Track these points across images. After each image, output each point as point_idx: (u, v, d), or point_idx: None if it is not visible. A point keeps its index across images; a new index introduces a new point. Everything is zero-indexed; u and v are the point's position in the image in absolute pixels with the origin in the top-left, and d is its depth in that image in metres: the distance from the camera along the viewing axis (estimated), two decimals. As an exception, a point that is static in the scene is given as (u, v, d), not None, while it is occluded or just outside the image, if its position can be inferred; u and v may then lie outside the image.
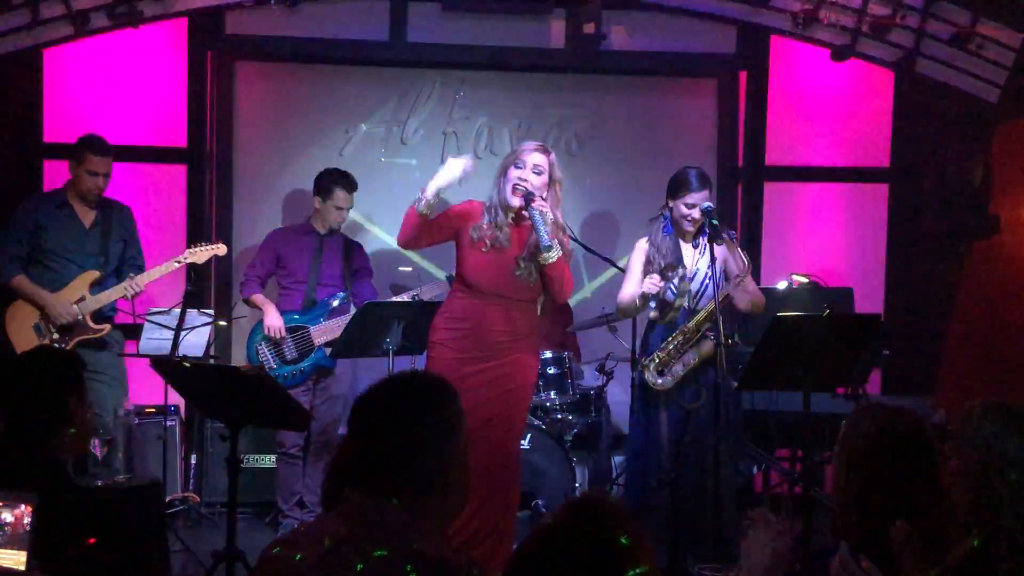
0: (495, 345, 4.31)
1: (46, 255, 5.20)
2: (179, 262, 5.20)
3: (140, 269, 5.28)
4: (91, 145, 5.22)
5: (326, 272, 5.57)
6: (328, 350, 5.41)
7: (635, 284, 4.76)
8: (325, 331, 5.41)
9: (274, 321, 5.40)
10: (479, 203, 4.40)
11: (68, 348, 4.99)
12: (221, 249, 5.32)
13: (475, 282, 4.33)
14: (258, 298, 5.51)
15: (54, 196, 5.35)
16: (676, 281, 4.67)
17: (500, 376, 4.30)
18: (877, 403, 2.64)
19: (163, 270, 5.20)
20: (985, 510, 2.17)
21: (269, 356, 5.42)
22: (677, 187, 4.72)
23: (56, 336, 5.10)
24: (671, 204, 4.74)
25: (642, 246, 4.81)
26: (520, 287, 4.33)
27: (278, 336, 5.39)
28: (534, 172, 4.27)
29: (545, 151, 4.35)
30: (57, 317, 5.08)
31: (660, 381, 4.64)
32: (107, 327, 5.22)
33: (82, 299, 5.15)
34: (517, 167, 4.28)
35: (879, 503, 2.40)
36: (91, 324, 5.16)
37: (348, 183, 5.58)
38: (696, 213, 4.66)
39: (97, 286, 5.20)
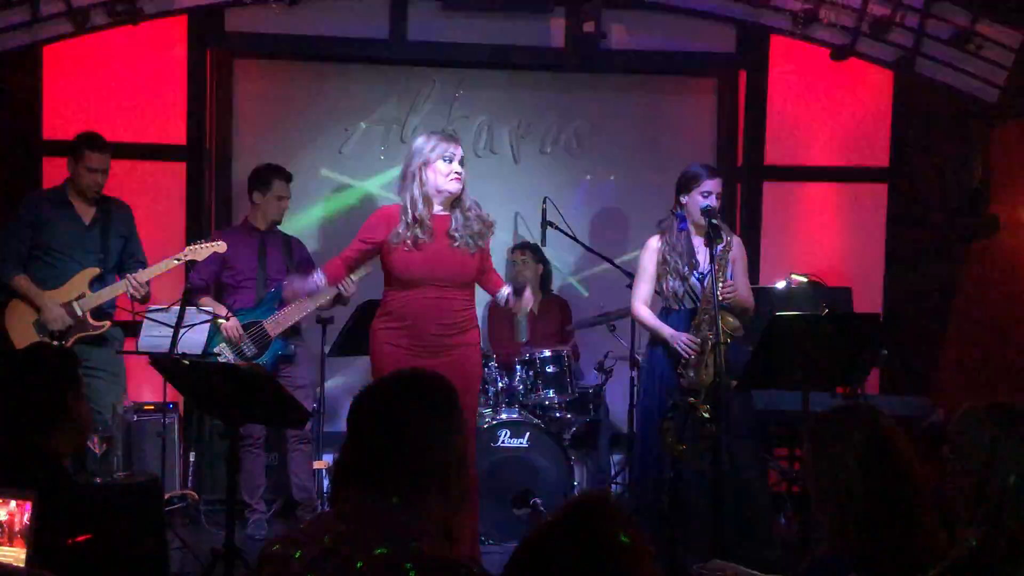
0: (434, 341, 4.30)
1: (46, 252, 5.19)
2: (179, 259, 5.19)
3: (143, 265, 5.27)
4: (88, 142, 5.22)
5: (272, 268, 5.59)
6: (283, 341, 5.44)
7: (649, 285, 4.79)
8: (279, 321, 5.43)
9: (230, 322, 5.40)
10: (390, 207, 4.46)
11: (67, 345, 5.00)
12: (221, 247, 5.31)
13: (407, 276, 4.33)
14: (207, 300, 5.50)
15: (53, 193, 5.35)
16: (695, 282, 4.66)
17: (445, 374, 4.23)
18: (838, 407, 2.54)
19: (163, 267, 5.20)
20: (985, 511, 2.17)
21: (229, 357, 5.41)
22: (689, 180, 4.72)
23: (55, 332, 5.10)
24: (685, 199, 4.73)
25: (654, 246, 4.80)
26: (456, 267, 4.32)
27: (236, 336, 5.39)
28: (461, 164, 4.36)
29: (457, 139, 4.46)
30: (50, 323, 5.08)
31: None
32: (107, 324, 5.22)
33: (82, 296, 5.14)
34: (447, 160, 4.31)
35: (863, 507, 2.37)
36: (91, 321, 5.15)
37: (284, 174, 5.65)
38: (714, 200, 4.67)
39: (98, 283, 5.20)
